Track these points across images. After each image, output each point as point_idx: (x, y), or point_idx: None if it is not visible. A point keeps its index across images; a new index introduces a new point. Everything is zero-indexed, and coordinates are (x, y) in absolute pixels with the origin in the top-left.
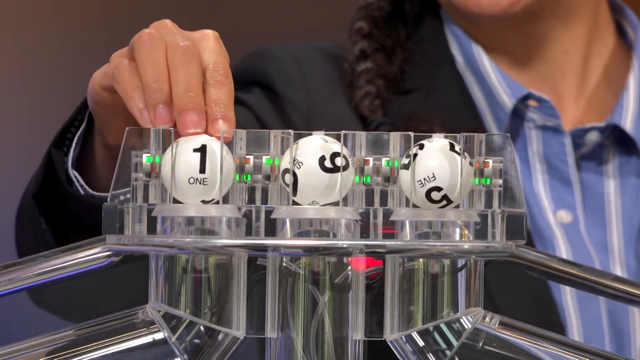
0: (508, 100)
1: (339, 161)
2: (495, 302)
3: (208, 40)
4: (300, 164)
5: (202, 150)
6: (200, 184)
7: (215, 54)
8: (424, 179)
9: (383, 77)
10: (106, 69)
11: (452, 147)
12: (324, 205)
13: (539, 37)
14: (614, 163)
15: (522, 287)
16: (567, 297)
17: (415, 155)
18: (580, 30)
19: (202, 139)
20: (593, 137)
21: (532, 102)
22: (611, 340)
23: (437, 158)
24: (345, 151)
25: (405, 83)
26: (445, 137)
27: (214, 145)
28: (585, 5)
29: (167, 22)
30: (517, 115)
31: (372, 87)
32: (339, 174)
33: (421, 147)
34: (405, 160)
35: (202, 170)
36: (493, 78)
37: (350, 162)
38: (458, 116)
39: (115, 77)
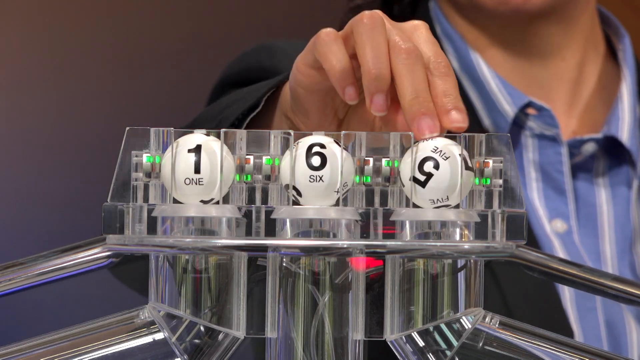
0: (509, 109)
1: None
2: (509, 306)
3: (421, 31)
4: (298, 192)
5: (197, 150)
6: (196, 184)
7: (432, 45)
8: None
9: None
10: (310, 45)
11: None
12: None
13: (542, 41)
14: (605, 173)
15: (533, 292)
16: (568, 306)
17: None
18: (579, 39)
19: (199, 139)
20: (590, 147)
21: (531, 111)
22: (609, 350)
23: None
24: (345, 153)
25: None
26: (446, 136)
27: (214, 145)
28: (585, 14)
29: (379, 13)
30: (515, 123)
31: None
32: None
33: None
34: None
35: (197, 170)
36: (493, 86)
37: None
38: None
39: (317, 48)
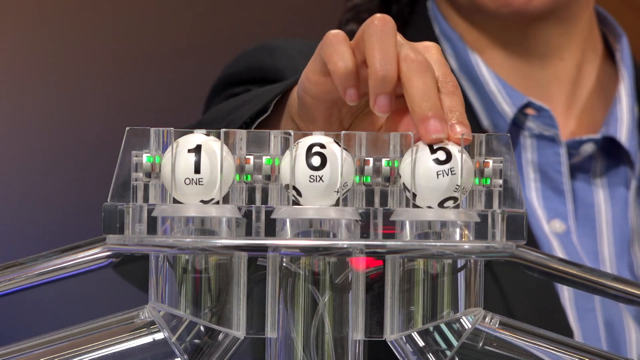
0: (508, 109)
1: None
2: (510, 306)
3: (432, 51)
4: (298, 192)
5: (197, 150)
6: (196, 184)
7: (442, 65)
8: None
9: None
10: (317, 49)
11: None
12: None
13: (542, 42)
14: (603, 173)
15: (534, 292)
16: (567, 306)
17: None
18: (578, 39)
19: (199, 139)
20: (588, 148)
21: (530, 111)
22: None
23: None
24: (345, 153)
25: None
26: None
27: (214, 145)
28: (584, 14)
29: (388, 18)
30: (514, 124)
31: None
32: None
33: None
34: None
35: (197, 170)
36: (492, 86)
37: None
38: None
39: (323, 49)
